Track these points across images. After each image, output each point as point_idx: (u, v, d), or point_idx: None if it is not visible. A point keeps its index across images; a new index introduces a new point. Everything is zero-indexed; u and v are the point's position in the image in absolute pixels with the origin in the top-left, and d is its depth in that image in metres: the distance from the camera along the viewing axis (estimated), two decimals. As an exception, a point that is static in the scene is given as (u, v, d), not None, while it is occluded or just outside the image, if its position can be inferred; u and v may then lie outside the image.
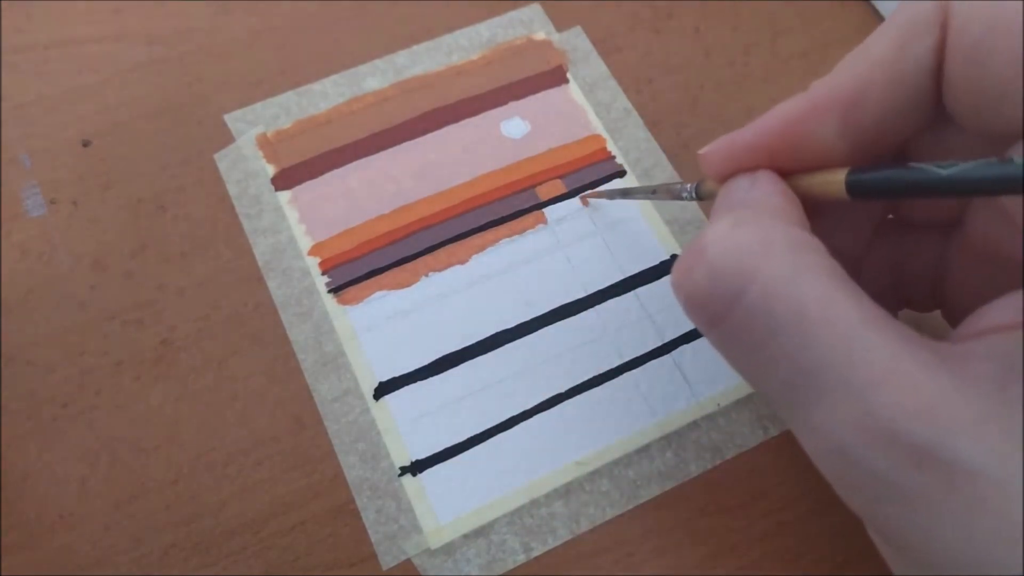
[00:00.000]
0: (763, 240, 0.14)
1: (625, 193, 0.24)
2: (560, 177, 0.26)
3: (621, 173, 0.27)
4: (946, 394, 0.12)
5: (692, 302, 0.15)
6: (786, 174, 0.17)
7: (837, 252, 0.15)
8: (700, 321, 0.16)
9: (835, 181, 0.15)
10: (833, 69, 0.16)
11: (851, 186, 0.15)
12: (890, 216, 0.20)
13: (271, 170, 0.26)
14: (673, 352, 0.24)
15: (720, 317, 0.15)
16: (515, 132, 0.27)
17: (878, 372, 0.13)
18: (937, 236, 0.19)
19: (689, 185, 0.20)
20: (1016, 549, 0.12)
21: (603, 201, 0.26)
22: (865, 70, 0.16)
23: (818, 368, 0.13)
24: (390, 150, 0.27)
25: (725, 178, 0.18)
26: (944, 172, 0.13)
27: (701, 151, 0.18)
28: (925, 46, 0.15)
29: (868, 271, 0.20)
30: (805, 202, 0.16)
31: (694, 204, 0.26)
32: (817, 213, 0.17)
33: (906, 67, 0.15)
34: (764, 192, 0.16)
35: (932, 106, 0.16)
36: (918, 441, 0.12)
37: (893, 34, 0.15)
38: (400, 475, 0.22)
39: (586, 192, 0.26)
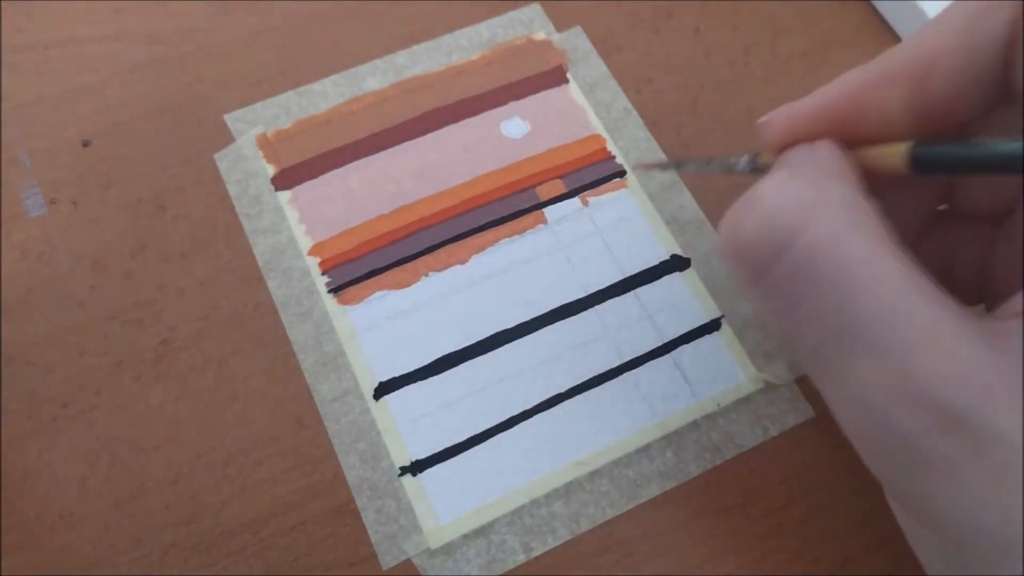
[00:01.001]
0: (815, 195, 0.14)
1: (678, 164, 0.24)
2: (560, 177, 0.26)
3: (621, 173, 0.27)
4: (981, 364, 0.13)
5: (738, 253, 0.15)
6: (847, 146, 0.17)
7: None
8: (744, 273, 0.15)
9: (897, 153, 0.15)
10: (904, 40, 0.16)
11: (915, 158, 0.15)
12: (942, 207, 0.20)
13: (271, 170, 0.26)
14: (673, 352, 0.24)
15: (764, 269, 0.15)
16: (515, 132, 0.27)
17: (916, 336, 0.13)
18: (987, 228, 0.19)
19: (746, 157, 0.19)
20: None
21: (603, 201, 0.26)
22: (937, 42, 0.15)
23: (856, 327, 0.13)
24: (390, 150, 0.27)
25: (784, 148, 0.17)
26: (1008, 147, 0.13)
27: (761, 119, 0.18)
28: (1000, 20, 0.15)
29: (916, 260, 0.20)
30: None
31: (695, 205, 0.26)
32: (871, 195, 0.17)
33: (979, 41, 0.15)
34: (822, 154, 0.16)
35: (1000, 84, 0.15)
36: (950, 406, 0.12)
37: (968, 7, 0.15)
38: (400, 475, 0.22)
39: (640, 162, 0.26)
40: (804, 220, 0.14)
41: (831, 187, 0.15)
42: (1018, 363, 0.13)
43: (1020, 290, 0.15)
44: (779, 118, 0.17)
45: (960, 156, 0.14)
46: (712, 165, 0.21)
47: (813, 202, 0.14)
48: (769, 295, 0.15)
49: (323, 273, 0.25)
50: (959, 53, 0.15)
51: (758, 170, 0.19)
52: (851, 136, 0.16)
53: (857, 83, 0.16)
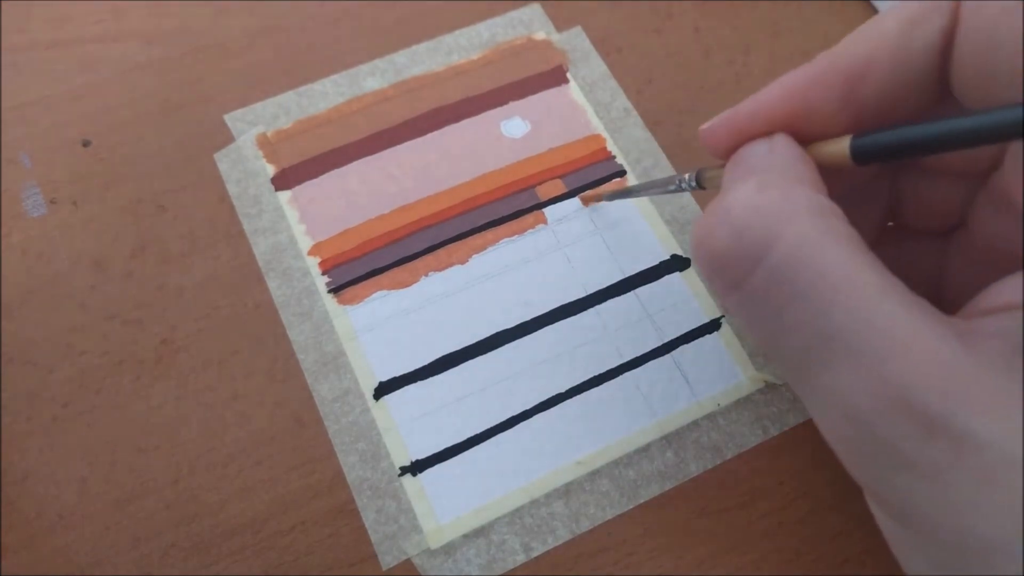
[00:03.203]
0: (789, 203, 0.14)
1: (623, 193, 0.24)
2: (560, 177, 0.26)
3: (621, 173, 0.27)
4: (962, 367, 0.13)
5: (713, 263, 0.15)
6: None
7: None
8: (720, 283, 0.16)
9: (838, 148, 0.16)
10: (840, 43, 0.16)
11: (856, 149, 0.15)
12: (889, 224, 0.20)
13: (271, 170, 0.26)
14: (673, 352, 0.24)
15: (741, 279, 0.15)
16: (515, 132, 0.27)
17: (897, 341, 0.13)
18: (936, 243, 0.19)
19: (687, 175, 0.20)
20: (1020, 523, 0.12)
21: (603, 200, 0.26)
22: (871, 44, 0.16)
23: (837, 334, 0.13)
24: (390, 150, 0.27)
25: (728, 153, 0.17)
26: (950, 122, 0.13)
27: (703, 127, 0.18)
28: (935, 26, 0.15)
29: None
30: None
31: (695, 205, 0.26)
32: None
33: (913, 45, 0.15)
34: (784, 157, 0.16)
35: (935, 87, 0.16)
36: (931, 411, 0.12)
37: (904, 12, 0.15)
38: (400, 475, 0.22)
39: (584, 193, 0.26)
40: (779, 229, 0.14)
41: (802, 193, 0.15)
42: (994, 364, 0.13)
43: (982, 291, 0.15)
44: (720, 124, 0.17)
45: (901, 139, 0.14)
46: (655, 188, 0.21)
47: (786, 210, 0.14)
48: (745, 305, 0.15)
49: (323, 273, 0.25)
50: (892, 57, 0.15)
51: (703, 186, 0.19)
52: (793, 135, 0.17)
53: (793, 85, 0.16)
